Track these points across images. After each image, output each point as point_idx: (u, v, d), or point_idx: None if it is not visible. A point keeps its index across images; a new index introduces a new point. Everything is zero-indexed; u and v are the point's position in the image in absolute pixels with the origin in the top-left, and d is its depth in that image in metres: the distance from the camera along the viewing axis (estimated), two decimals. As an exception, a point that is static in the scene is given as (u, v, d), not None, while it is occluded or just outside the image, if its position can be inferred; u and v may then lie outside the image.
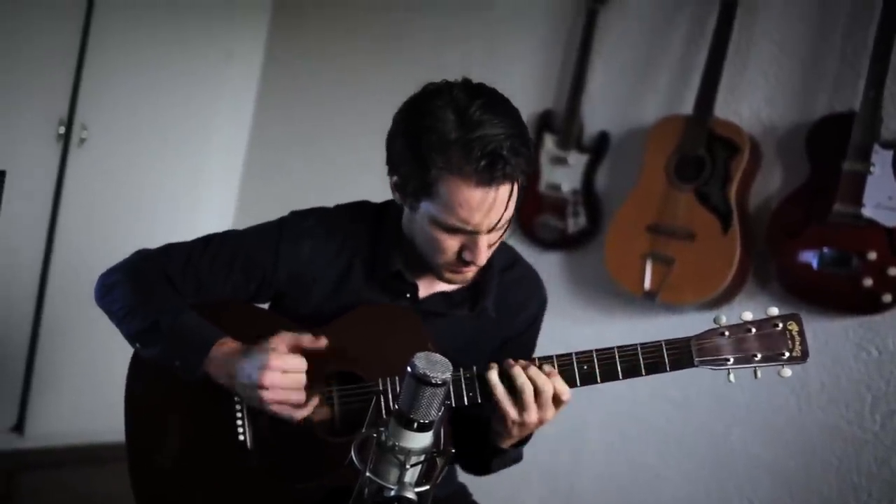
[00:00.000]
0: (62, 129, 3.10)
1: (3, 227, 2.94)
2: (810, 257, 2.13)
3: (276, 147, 3.64)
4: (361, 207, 1.63)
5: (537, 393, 1.36)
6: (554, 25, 2.82)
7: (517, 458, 1.56)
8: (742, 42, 2.40)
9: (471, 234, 1.39)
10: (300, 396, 1.40)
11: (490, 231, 1.39)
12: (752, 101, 2.39)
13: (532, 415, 1.37)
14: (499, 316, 1.58)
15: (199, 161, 3.58)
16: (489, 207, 1.34)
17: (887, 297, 2.04)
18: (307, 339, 1.44)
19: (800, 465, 2.24)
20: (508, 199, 1.35)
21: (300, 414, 1.42)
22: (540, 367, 1.38)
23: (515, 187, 1.36)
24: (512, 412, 1.37)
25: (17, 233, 3.08)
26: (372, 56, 3.29)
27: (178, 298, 1.52)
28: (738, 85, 2.40)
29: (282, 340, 1.42)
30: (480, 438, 1.50)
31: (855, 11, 2.23)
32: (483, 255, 1.41)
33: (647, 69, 2.60)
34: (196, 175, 3.58)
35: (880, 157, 2.05)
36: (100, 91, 3.17)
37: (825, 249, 2.11)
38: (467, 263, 1.43)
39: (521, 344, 1.65)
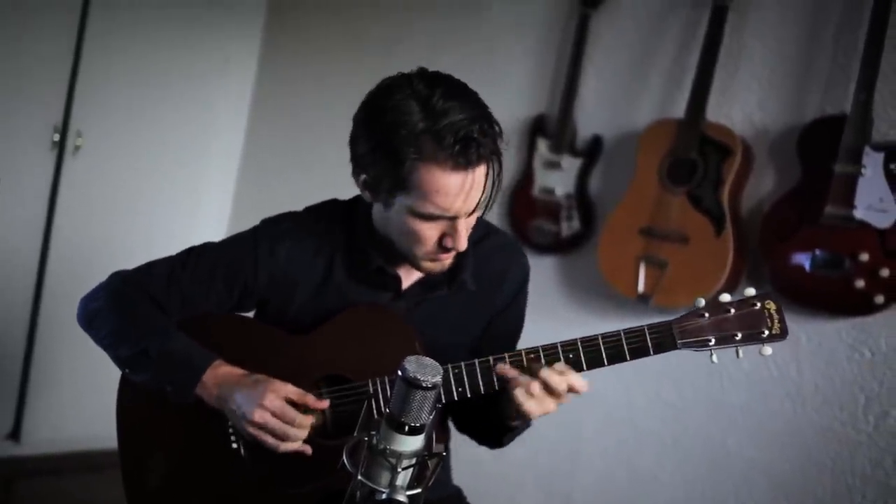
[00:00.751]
0: (57, 137, 3.10)
1: (-1, 234, 2.96)
2: (803, 259, 2.14)
3: (272, 152, 3.64)
4: (332, 206, 1.63)
5: (556, 395, 1.37)
6: (546, 30, 2.82)
7: (527, 426, 1.56)
8: (733, 45, 2.41)
9: (451, 220, 1.40)
10: (285, 432, 1.40)
11: (469, 215, 1.40)
12: (744, 104, 2.40)
13: (551, 409, 1.39)
14: (480, 288, 1.58)
15: (195, 168, 3.58)
16: (468, 190, 1.35)
17: (880, 299, 2.04)
18: (311, 399, 1.44)
19: (795, 467, 2.24)
20: (485, 181, 1.37)
21: (284, 447, 1.42)
22: (532, 361, 1.39)
23: (490, 168, 1.37)
24: (536, 413, 1.39)
25: (12, 240, 3.08)
26: (367, 61, 3.29)
27: (164, 319, 1.51)
28: (730, 88, 2.41)
29: (284, 386, 1.42)
30: (487, 420, 1.52)
31: (845, 15, 2.24)
32: (464, 240, 1.42)
33: (640, 73, 2.61)
34: (192, 182, 3.58)
35: (871, 160, 2.06)
36: (95, 98, 3.16)
37: (817, 251, 2.12)
38: (447, 250, 1.43)
39: (507, 321, 1.66)
